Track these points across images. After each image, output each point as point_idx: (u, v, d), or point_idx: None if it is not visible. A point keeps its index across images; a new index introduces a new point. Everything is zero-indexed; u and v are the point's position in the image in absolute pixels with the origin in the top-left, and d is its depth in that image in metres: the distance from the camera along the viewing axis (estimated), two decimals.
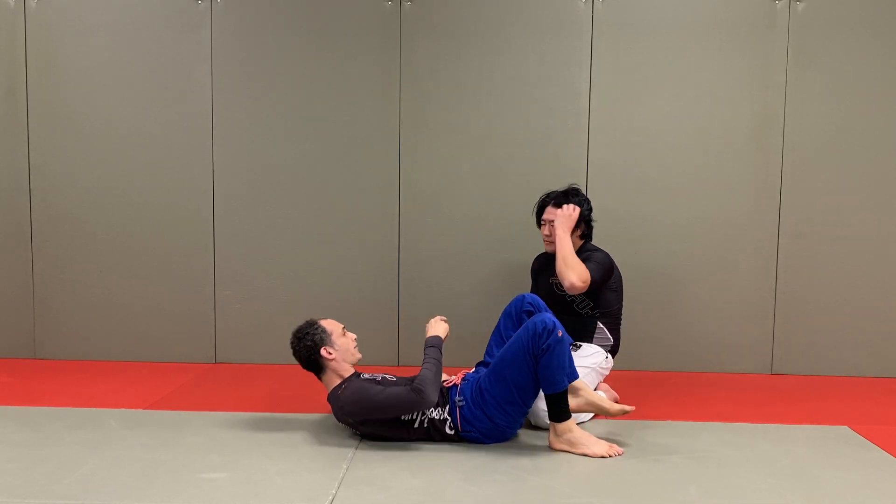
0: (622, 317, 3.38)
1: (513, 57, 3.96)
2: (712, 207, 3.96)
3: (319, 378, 2.91)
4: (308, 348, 2.85)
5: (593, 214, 3.37)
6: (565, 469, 2.61)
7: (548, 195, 3.38)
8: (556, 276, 3.31)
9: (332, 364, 2.85)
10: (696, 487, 2.43)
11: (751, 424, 3.10)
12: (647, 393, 3.57)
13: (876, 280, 3.95)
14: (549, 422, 2.80)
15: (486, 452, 2.72)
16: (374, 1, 3.97)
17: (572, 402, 2.81)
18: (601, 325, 3.29)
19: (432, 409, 2.80)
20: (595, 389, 3.28)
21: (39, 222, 4.10)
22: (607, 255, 3.33)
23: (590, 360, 3.19)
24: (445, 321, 3.03)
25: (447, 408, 2.82)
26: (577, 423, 3.02)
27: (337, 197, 4.05)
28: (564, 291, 3.28)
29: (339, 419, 2.87)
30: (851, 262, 3.94)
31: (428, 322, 3.02)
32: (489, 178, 4.00)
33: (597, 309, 3.28)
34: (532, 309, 3.04)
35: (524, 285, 3.60)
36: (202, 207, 4.08)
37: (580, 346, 3.26)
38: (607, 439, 2.83)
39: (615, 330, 3.34)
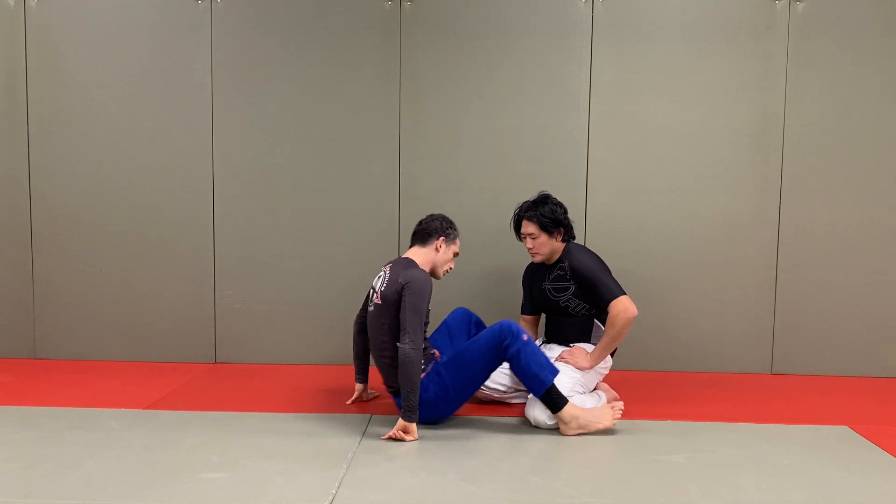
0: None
1: (513, 57, 3.96)
2: (712, 207, 3.96)
3: (412, 245, 3.12)
4: (440, 227, 3.10)
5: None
6: (565, 469, 2.61)
7: (520, 208, 3.38)
8: (549, 282, 3.32)
9: (432, 255, 3.09)
10: (696, 487, 2.43)
11: (751, 424, 3.10)
12: (647, 393, 3.57)
13: (876, 280, 3.95)
14: (552, 418, 2.94)
15: (486, 452, 2.72)
16: (374, 1, 3.97)
17: (566, 430, 2.92)
18: (598, 324, 3.30)
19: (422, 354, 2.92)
20: (594, 389, 3.29)
21: (39, 222, 4.10)
22: (591, 255, 3.32)
23: (568, 369, 3.17)
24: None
25: (427, 367, 2.98)
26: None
27: (337, 197, 4.05)
28: (559, 297, 3.29)
29: (390, 273, 2.97)
30: (851, 261, 3.94)
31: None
32: (489, 178, 4.00)
33: (592, 309, 3.28)
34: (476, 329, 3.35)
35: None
36: (202, 207, 4.08)
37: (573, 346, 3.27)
38: (609, 436, 2.87)
39: None
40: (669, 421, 3.14)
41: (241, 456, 2.65)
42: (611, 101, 3.94)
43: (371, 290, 3.09)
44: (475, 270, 4.01)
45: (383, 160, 4.03)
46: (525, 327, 3.45)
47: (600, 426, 2.90)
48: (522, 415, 3.09)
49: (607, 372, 3.32)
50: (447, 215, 3.21)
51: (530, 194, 3.43)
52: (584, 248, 3.38)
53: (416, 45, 3.97)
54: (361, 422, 3.06)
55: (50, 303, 4.13)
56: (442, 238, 3.09)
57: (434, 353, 3.08)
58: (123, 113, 4.05)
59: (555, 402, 2.89)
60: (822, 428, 3.06)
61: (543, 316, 3.50)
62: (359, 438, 2.86)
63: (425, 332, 2.96)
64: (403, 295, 2.88)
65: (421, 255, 3.08)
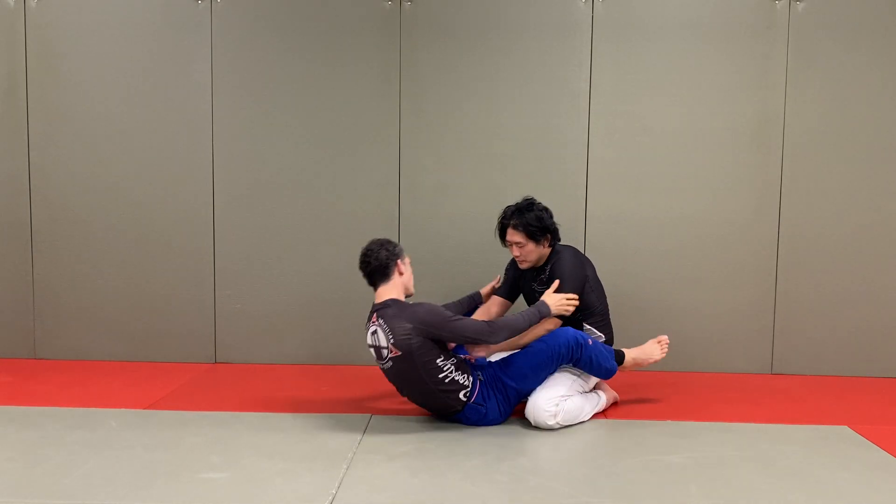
0: (609, 310, 3.37)
1: (513, 57, 3.96)
2: (712, 207, 3.96)
3: (376, 286, 3.03)
4: (389, 253, 3.02)
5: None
6: (565, 469, 2.61)
7: (505, 215, 3.28)
8: (537, 285, 3.28)
9: (397, 279, 3.02)
10: (696, 487, 2.43)
11: (751, 424, 3.10)
12: (648, 393, 3.57)
13: (876, 280, 3.95)
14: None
15: (486, 452, 2.72)
16: (374, 1, 3.97)
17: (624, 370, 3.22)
18: (588, 326, 3.28)
19: (460, 371, 2.93)
20: (594, 389, 3.28)
21: (39, 222, 4.10)
22: (575, 261, 3.25)
23: (569, 370, 3.13)
24: (566, 298, 3.10)
25: (469, 378, 2.96)
26: (575, 424, 3.05)
27: (337, 196, 4.05)
28: None
29: (387, 324, 2.88)
30: (851, 262, 3.94)
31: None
32: (489, 178, 4.00)
33: (579, 313, 3.23)
34: None
35: None
36: (202, 207, 4.08)
37: None
38: (608, 436, 2.88)
39: (604, 325, 3.32)
40: (669, 421, 3.14)
41: (241, 456, 2.66)
42: (611, 101, 3.94)
43: (371, 349, 2.98)
44: (476, 270, 4.00)
45: (383, 160, 4.03)
46: (493, 306, 3.42)
47: (652, 360, 3.24)
48: (522, 415, 3.08)
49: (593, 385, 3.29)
50: (389, 239, 3.10)
51: (531, 194, 3.41)
52: (571, 254, 3.30)
53: (416, 45, 3.97)
54: (361, 422, 3.06)
55: (50, 303, 4.13)
56: (397, 261, 3.02)
57: (469, 359, 3.07)
58: (123, 113, 4.05)
59: (620, 363, 3.17)
60: (822, 428, 3.06)
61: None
62: (359, 438, 2.86)
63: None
64: (428, 332, 2.84)
65: (393, 290, 3.00)
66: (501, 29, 3.95)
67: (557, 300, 3.07)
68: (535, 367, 2.99)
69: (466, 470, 2.55)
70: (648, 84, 3.93)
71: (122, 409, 3.22)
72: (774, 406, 3.41)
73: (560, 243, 3.35)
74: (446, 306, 3.30)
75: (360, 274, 3.99)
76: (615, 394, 3.38)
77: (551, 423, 2.97)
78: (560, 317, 3.23)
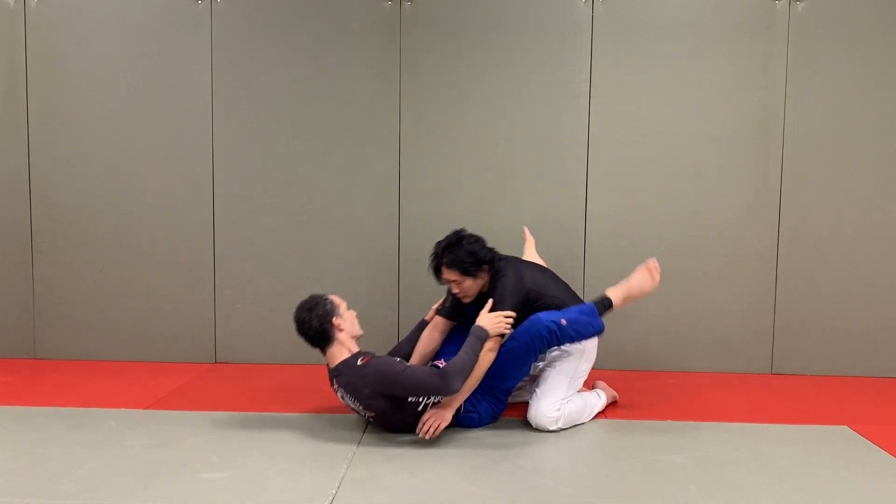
0: (571, 289, 3.26)
1: (513, 57, 3.96)
2: (712, 207, 3.96)
3: (323, 351, 2.93)
4: (320, 318, 2.90)
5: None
6: (565, 469, 2.61)
7: (435, 253, 3.15)
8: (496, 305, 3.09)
9: (341, 336, 2.91)
10: (696, 487, 2.43)
11: (751, 424, 3.10)
12: (647, 393, 3.57)
13: (876, 280, 3.94)
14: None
15: (486, 452, 2.73)
16: (374, 1, 3.97)
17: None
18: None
19: None
20: (594, 388, 3.28)
21: (39, 222, 4.10)
22: (515, 277, 3.08)
23: (563, 365, 3.09)
24: (503, 316, 2.92)
25: None
26: (576, 425, 3.05)
27: (337, 197, 4.05)
28: None
29: (347, 391, 2.84)
30: (851, 261, 3.94)
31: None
32: (489, 179, 4.00)
33: None
34: None
35: None
36: (202, 207, 4.08)
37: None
38: (608, 436, 2.88)
39: None
40: (669, 421, 3.14)
41: (241, 456, 2.66)
42: (611, 101, 3.94)
43: (350, 408, 2.94)
44: None
45: (383, 160, 4.03)
46: (433, 330, 3.27)
47: (645, 292, 3.13)
48: (524, 415, 3.08)
49: (591, 363, 3.19)
50: (321, 295, 3.00)
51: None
52: (511, 270, 3.11)
53: (416, 45, 3.97)
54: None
55: (50, 303, 4.13)
56: (332, 319, 2.90)
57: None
58: (123, 113, 4.05)
59: (609, 308, 3.07)
60: (822, 428, 3.06)
61: None
62: (359, 438, 2.86)
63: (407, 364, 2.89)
64: (384, 391, 2.76)
65: (341, 349, 2.90)
66: (501, 29, 3.95)
67: (493, 320, 2.89)
68: (513, 363, 2.94)
69: (466, 470, 2.55)
70: (648, 84, 3.93)
71: (122, 409, 3.22)
72: (774, 406, 3.41)
73: (501, 260, 3.17)
74: (396, 349, 3.30)
75: (360, 273, 4.04)
76: (615, 393, 3.38)
77: (553, 427, 2.97)
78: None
